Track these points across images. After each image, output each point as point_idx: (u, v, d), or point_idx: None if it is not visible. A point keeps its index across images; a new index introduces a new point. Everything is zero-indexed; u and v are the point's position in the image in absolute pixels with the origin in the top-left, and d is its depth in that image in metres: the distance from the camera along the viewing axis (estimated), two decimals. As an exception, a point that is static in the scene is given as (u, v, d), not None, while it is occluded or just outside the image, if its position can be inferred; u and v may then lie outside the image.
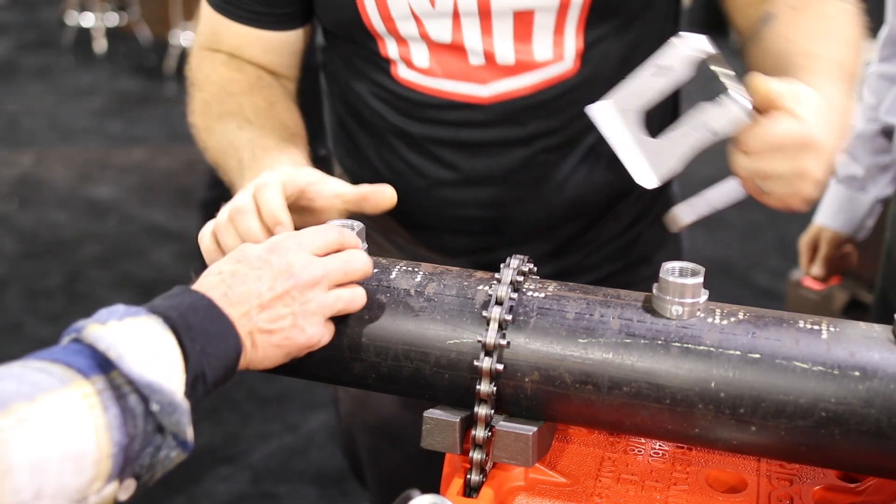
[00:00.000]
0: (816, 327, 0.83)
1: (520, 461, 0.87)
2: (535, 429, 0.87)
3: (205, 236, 1.01)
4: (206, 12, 1.30)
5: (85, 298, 3.82)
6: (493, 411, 0.87)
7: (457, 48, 1.21)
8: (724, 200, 1.03)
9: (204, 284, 0.84)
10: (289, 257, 0.86)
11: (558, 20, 1.19)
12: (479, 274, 0.94)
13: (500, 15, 1.18)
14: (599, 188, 1.34)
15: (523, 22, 1.18)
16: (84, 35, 7.59)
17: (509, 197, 1.32)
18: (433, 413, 0.89)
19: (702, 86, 0.98)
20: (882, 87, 1.82)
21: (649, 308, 0.87)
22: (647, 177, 0.97)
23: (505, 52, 1.20)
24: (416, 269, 0.94)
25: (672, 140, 0.95)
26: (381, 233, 1.42)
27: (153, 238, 4.40)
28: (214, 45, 1.30)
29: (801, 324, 0.84)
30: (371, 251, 0.95)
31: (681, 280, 0.85)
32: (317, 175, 1.05)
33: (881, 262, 1.83)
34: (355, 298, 0.90)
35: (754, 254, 4.39)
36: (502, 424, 0.88)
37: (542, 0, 1.16)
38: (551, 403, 0.87)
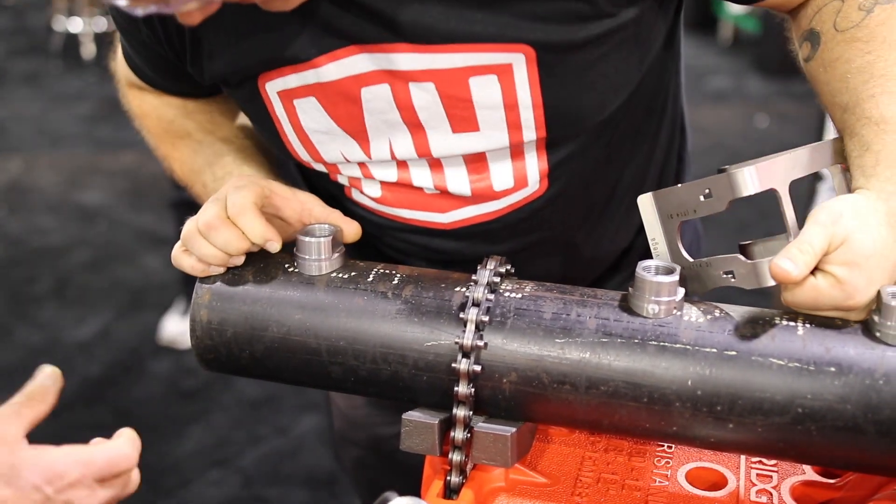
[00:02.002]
0: (792, 324, 0.83)
1: (499, 462, 0.87)
2: (514, 429, 0.87)
3: (178, 258, 0.99)
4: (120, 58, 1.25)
5: (75, 304, 3.81)
6: (471, 413, 0.87)
7: (406, 185, 1.11)
8: None
9: None
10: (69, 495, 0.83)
11: (514, 153, 1.08)
12: (457, 276, 0.94)
13: (450, 161, 1.08)
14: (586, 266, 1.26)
15: (476, 159, 1.08)
16: (72, 40, 7.57)
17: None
18: (412, 415, 0.89)
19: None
20: None
21: (626, 307, 0.87)
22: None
23: (459, 186, 1.10)
24: (394, 272, 0.94)
25: (702, 272, 0.92)
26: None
27: (142, 243, 4.39)
28: (137, 84, 1.25)
29: (777, 320, 0.84)
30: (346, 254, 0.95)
31: (657, 278, 0.85)
32: (283, 186, 1.04)
33: None
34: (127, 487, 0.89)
35: (744, 251, 4.39)
36: (481, 426, 0.88)
37: (491, 143, 1.05)
38: (530, 404, 0.87)
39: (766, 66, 7.39)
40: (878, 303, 0.81)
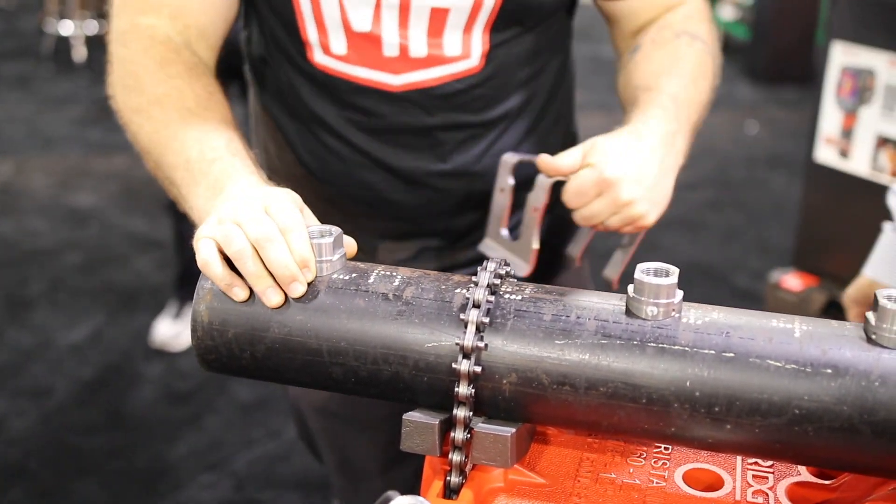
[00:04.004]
0: (789, 326, 0.84)
1: (499, 462, 0.88)
2: (514, 430, 0.88)
3: (211, 264, 0.94)
4: None
5: (66, 307, 3.81)
6: (471, 413, 0.88)
7: (373, 39, 1.27)
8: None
9: None
10: None
11: (469, 20, 1.27)
12: (457, 277, 0.95)
13: (418, 10, 1.25)
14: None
15: (438, 18, 1.26)
16: (63, 43, 7.56)
17: (417, 183, 1.39)
18: (412, 416, 0.90)
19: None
20: None
21: (625, 309, 0.88)
22: (520, 267, 1.26)
23: (418, 45, 1.28)
24: (395, 274, 0.95)
25: (521, 232, 1.26)
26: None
27: (134, 246, 4.39)
28: (151, 7, 1.25)
29: (774, 322, 0.85)
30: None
31: (655, 281, 0.85)
32: (300, 200, 1.02)
33: None
34: None
35: (734, 256, 4.41)
36: (481, 426, 0.88)
37: (457, 1, 1.25)
38: (529, 405, 0.88)
39: (755, 73, 7.43)
40: (874, 306, 0.82)
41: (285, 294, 0.92)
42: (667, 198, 1.20)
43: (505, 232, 1.30)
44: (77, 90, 6.86)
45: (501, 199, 1.29)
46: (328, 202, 1.42)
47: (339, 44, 1.29)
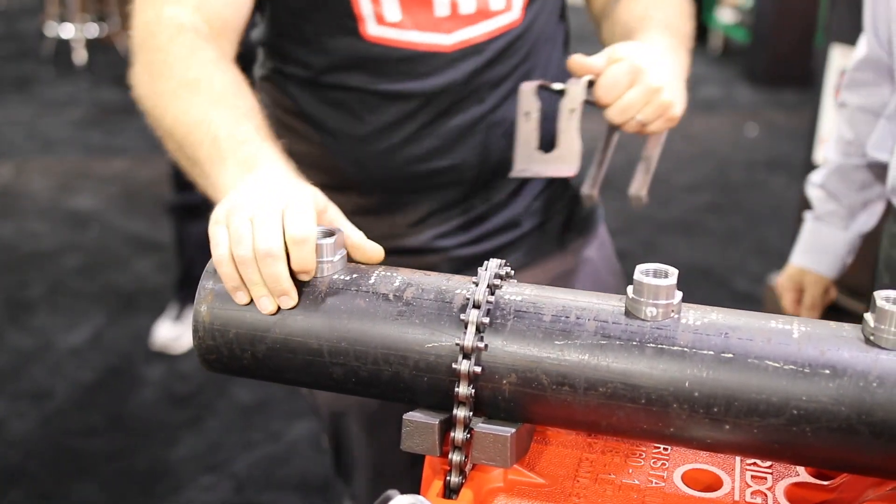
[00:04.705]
0: (787, 327, 0.85)
1: (498, 462, 0.88)
2: (514, 430, 0.88)
3: (223, 263, 0.94)
4: None
5: (66, 309, 3.81)
6: (471, 413, 0.88)
7: (424, 3, 1.35)
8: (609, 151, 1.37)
9: None
10: None
11: None
12: (457, 278, 0.95)
13: None
14: None
15: None
16: (64, 46, 7.57)
17: (464, 143, 1.45)
18: (413, 416, 0.90)
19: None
20: (863, 122, 1.72)
21: (624, 310, 0.88)
22: (564, 170, 1.34)
23: (467, 3, 1.37)
24: (395, 274, 0.95)
25: (558, 139, 1.32)
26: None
27: (134, 248, 4.39)
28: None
29: (773, 323, 0.85)
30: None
31: (655, 281, 0.86)
32: (324, 200, 1.02)
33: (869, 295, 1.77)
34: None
35: (733, 259, 4.42)
36: (481, 426, 0.89)
37: None
38: (529, 405, 0.88)
39: (755, 76, 7.44)
40: (872, 307, 0.82)
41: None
42: (684, 97, 1.29)
43: (537, 152, 1.35)
44: (77, 93, 6.87)
45: (528, 124, 1.34)
46: (365, 191, 1.48)
47: (392, 11, 1.34)
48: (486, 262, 0.93)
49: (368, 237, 1.33)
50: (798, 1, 7.01)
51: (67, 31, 7.50)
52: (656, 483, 0.92)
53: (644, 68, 1.22)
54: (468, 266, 1.51)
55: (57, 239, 4.48)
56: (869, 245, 1.84)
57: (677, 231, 4.62)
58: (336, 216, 1.02)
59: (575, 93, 1.28)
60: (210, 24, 1.27)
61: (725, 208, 4.99)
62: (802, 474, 0.94)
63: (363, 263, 1.00)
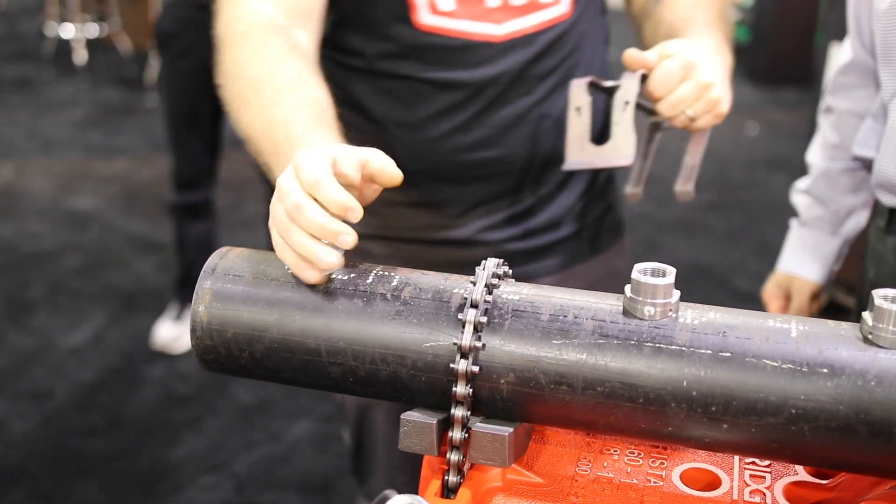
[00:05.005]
0: (786, 326, 0.85)
1: (497, 462, 0.88)
2: (512, 430, 0.88)
3: (279, 249, 0.95)
4: None
5: (67, 309, 3.81)
6: (469, 413, 0.88)
7: None
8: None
9: None
10: None
11: None
12: (455, 277, 0.95)
13: None
14: None
15: None
16: (64, 46, 7.57)
17: (512, 133, 1.48)
18: (411, 415, 0.90)
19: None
20: (849, 125, 1.72)
21: (622, 309, 0.88)
22: (620, 159, 1.36)
23: None
24: (393, 274, 0.95)
25: (612, 131, 1.34)
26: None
27: (134, 248, 4.40)
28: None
29: (771, 322, 0.85)
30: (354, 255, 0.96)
31: (652, 281, 0.86)
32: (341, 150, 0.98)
33: (858, 289, 1.75)
34: None
35: (734, 258, 4.42)
36: (479, 426, 0.88)
37: None
38: (527, 404, 0.88)
39: (756, 75, 7.44)
40: (870, 305, 0.82)
41: (285, 294, 0.93)
42: (729, 96, 1.32)
43: (589, 144, 1.37)
44: (78, 93, 6.87)
45: (579, 118, 1.36)
46: (414, 180, 1.48)
47: (446, 0, 1.38)
48: (483, 262, 0.93)
49: (415, 227, 1.50)
50: (798, 0, 7.01)
51: (67, 31, 7.51)
52: (655, 482, 0.92)
53: (698, 64, 1.25)
54: (513, 263, 1.51)
55: (57, 239, 4.48)
56: (867, 243, 1.84)
57: (678, 230, 4.62)
58: (351, 157, 0.97)
59: (630, 86, 1.31)
60: (288, 14, 1.28)
61: (726, 207, 4.99)
62: (801, 473, 0.94)
63: (386, 187, 0.99)
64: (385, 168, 0.97)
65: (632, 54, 1.28)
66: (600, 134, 1.45)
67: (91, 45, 7.59)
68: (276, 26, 1.25)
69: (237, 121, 1.22)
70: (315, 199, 0.91)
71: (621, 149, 1.35)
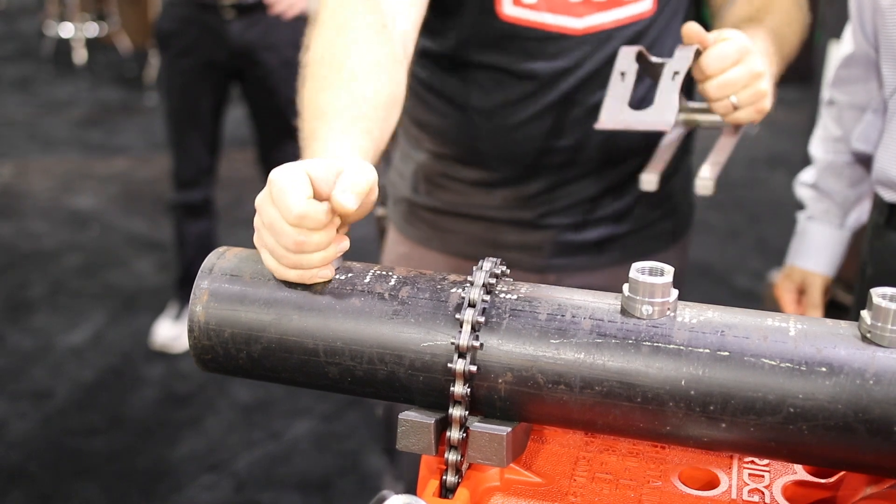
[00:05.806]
0: (784, 324, 0.84)
1: (495, 461, 0.88)
2: (510, 429, 0.88)
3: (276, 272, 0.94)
4: None
5: (67, 309, 3.81)
6: (467, 412, 0.88)
7: None
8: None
9: None
10: None
11: None
12: (453, 277, 0.95)
13: None
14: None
15: None
16: (64, 46, 7.57)
17: (585, 128, 1.50)
18: (408, 415, 0.90)
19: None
20: (851, 118, 1.73)
21: (620, 308, 0.88)
22: (658, 124, 1.30)
23: None
24: (390, 273, 0.95)
25: (657, 98, 1.29)
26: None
27: (134, 248, 4.40)
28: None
29: (769, 321, 0.85)
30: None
31: (650, 280, 0.86)
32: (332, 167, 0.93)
33: (856, 286, 1.77)
34: None
35: (734, 256, 4.41)
36: (477, 425, 0.88)
37: None
38: (525, 404, 0.88)
39: (756, 73, 7.41)
40: (868, 304, 0.82)
41: (283, 294, 0.93)
42: (773, 96, 1.33)
43: (627, 107, 1.33)
44: (77, 92, 6.87)
45: (622, 82, 1.33)
46: (487, 164, 1.54)
47: None
48: (480, 262, 0.93)
49: (483, 207, 1.56)
50: (798, -2, 6.99)
51: (67, 30, 7.50)
52: (653, 482, 0.92)
53: (754, 51, 1.25)
54: (571, 254, 1.55)
55: (57, 239, 4.48)
56: (865, 240, 1.84)
57: (678, 228, 4.61)
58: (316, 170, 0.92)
59: (682, 57, 1.29)
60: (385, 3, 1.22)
61: (726, 205, 4.99)
62: (800, 472, 0.94)
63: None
64: (341, 198, 0.89)
65: (691, 27, 1.27)
66: (639, 105, 1.43)
67: (91, 44, 7.59)
68: (366, 5, 1.19)
69: (299, 92, 1.16)
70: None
71: (662, 114, 1.32)
